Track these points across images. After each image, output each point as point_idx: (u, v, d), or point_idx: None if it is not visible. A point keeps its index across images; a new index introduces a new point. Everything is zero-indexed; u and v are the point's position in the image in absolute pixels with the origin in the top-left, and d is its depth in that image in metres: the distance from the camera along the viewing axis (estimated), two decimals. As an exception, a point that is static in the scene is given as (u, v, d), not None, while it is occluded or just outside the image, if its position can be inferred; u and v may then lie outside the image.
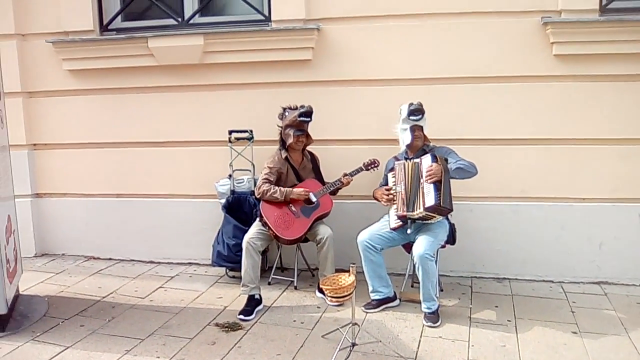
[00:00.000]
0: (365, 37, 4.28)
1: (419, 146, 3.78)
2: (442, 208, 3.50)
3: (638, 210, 4.11)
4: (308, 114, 3.95)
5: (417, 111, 3.69)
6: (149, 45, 4.49)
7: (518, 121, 4.17)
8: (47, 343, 3.37)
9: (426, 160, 3.59)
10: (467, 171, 3.59)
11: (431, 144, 3.83)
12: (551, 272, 4.26)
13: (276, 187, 3.95)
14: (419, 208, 3.55)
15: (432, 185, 3.50)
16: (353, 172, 4.06)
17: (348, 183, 4.05)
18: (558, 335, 3.38)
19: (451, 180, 3.64)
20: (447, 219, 3.78)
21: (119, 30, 4.74)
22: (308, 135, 4.07)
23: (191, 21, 4.62)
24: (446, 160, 3.61)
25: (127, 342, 3.38)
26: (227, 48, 4.43)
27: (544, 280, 4.25)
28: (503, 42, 4.10)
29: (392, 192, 3.75)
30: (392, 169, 3.85)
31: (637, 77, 3.98)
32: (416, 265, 3.53)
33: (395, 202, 3.73)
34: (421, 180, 3.59)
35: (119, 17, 4.77)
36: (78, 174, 4.96)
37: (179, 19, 4.63)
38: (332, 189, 4.05)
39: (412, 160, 3.71)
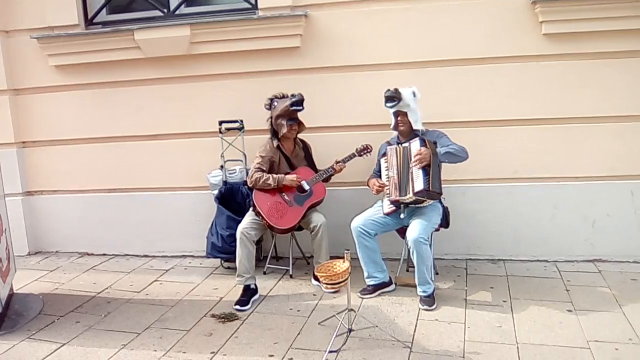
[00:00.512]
0: (353, 22, 4.25)
1: (408, 131, 3.76)
2: (432, 192, 3.51)
3: (630, 187, 4.12)
4: (300, 102, 3.91)
5: (390, 98, 3.68)
6: (135, 38, 4.44)
7: (509, 102, 4.16)
8: (43, 341, 3.36)
9: (415, 145, 3.58)
10: (457, 155, 3.58)
11: (423, 128, 3.81)
12: (545, 252, 4.27)
13: (268, 174, 3.94)
14: (410, 192, 3.55)
15: (421, 170, 3.50)
16: (345, 158, 4.04)
17: (341, 170, 4.04)
18: (553, 314, 3.40)
19: (443, 164, 3.64)
20: (441, 202, 3.78)
21: (104, 24, 4.69)
22: (300, 123, 4.04)
23: (177, 12, 4.58)
24: (435, 144, 3.60)
25: (123, 337, 3.37)
26: (214, 38, 4.39)
27: (538, 260, 4.26)
28: (492, 22, 4.07)
29: (385, 182, 3.73)
30: (384, 154, 3.84)
31: (627, 54, 3.97)
32: (410, 250, 3.53)
33: (387, 188, 3.72)
34: (410, 165, 3.58)
35: (104, 10, 4.73)
36: (69, 171, 4.93)
37: (165, 10, 4.58)
38: (324, 176, 4.03)
39: (402, 145, 3.70)
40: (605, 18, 3.88)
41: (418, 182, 3.51)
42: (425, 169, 3.49)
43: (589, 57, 4.01)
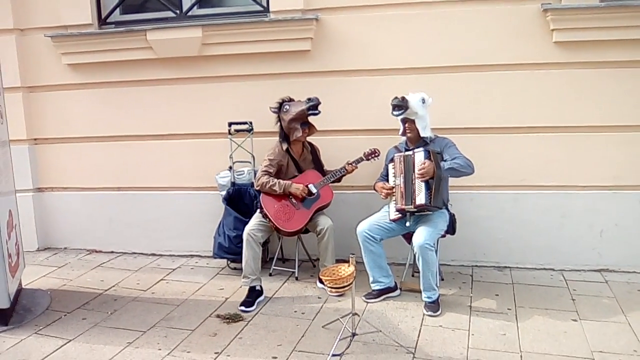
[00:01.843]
0: (364, 26, 4.26)
1: (416, 138, 3.76)
2: (432, 207, 3.52)
3: (638, 197, 4.09)
4: (317, 106, 3.89)
5: (396, 107, 3.67)
6: (147, 38, 4.48)
7: (518, 109, 4.15)
8: (49, 336, 3.40)
9: (418, 156, 3.57)
10: (460, 171, 3.57)
11: (432, 135, 3.80)
12: (552, 260, 4.25)
13: (275, 180, 3.95)
14: (413, 203, 3.56)
15: (423, 184, 3.50)
16: (354, 161, 4.05)
17: (352, 170, 4.04)
18: (558, 323, 3.39)
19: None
20: (447, 208, 3.78)
21: (117, 24, 4.73)
22: (311, 126, 4.05)
23: (189, 13, 4.61)
24: (439, 154, 3.59)
25: (129, 335, 3.40)
26: (225, 40, 4.41)
27: (544, 269, 4.25)
28: (503, 29, 4.07)
29: (392, 189, 3.73)
30: (392, 160, 3.83)
31: (637, 63, 3.95)
32: (416, 255, 3.53)
33: (394, 195, 3.72)
34: (414, 176, 3.58)
35: (117, 10, 4.75)
36: (79, 168, 4.97)
37: (177, 11, 4.61)
38: (334, 178, 4.04)
39: (407, 154, 3.68)
40: (616, 27, 3.87)
41: (420, 196, 3.51)
42: (428, 183, 3.49)
43: (599, 66, 4.00)
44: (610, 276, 4.08)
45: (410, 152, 3.66)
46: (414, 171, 3.58)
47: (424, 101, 3.69)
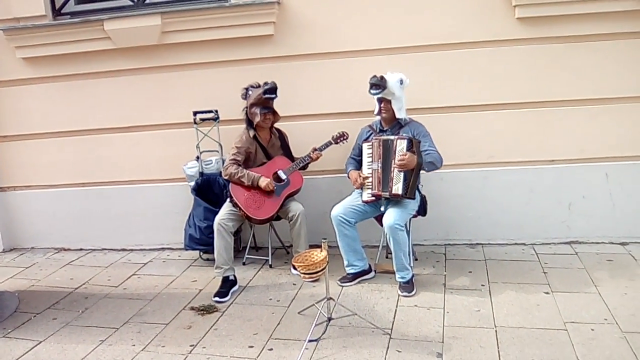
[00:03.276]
0: (327, 9, 4.20)
1: (391, 118, 3.73)
2: (407, 198, 3.54)
3: (605, 169, 4.16)
4: (272, 90, 3.87)
5: (375, 85, 3.62)
6: (105, 28, 4.34)
7: (484, 87, 4.16)
8: (19, 339, 3.31)
9: (400, 145, 3.53)
10: (436, 166, 3.60)
11: (407, 117, 3.76)
12: (523, 235, 4.31)
13: (244, 171, 3.89)
14: (389, 191, 3.55)
15: (402, 174, 3.49)
16: (322, 146, 4.02)
17: (317, 158, 4.01)
18: (531, 296, 3.43)
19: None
20: (419, 190, 3.77)
21: (72, 14, 4.58)
22: (275, 112, 4.00)
23: (147, 0, 4.48)
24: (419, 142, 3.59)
25: (101, 332, 3.33)
26: (185, 27, 4.30)
27: (516, 244, 4.30)
28: (465, 7, 4.06)
29: (367, 174, 3.69)
30: (367, 140, 3.80)
31: (600, 37, 3.98)
32: (387, 236, 3.52)
33: (370, 180, 3.68)
34: (393, 163, 3.56)
35: (72, 0, 4.59)
36: (42, 165, 4.83)
37: (135, -1, 4.49)
38: (301, 165, 4.01)
39: (387, 138, 3.64)
40: (577, 1, 3.88)
41: (397, 186, 3.51)
42: (406, 174, 3.49)
43: (562, 41, 4.02)
44: (580, 248, 4.15)
45: (392, 137, 3.61)
46: (393, 158, 3.55)
47: (402, 82, 3.65)
